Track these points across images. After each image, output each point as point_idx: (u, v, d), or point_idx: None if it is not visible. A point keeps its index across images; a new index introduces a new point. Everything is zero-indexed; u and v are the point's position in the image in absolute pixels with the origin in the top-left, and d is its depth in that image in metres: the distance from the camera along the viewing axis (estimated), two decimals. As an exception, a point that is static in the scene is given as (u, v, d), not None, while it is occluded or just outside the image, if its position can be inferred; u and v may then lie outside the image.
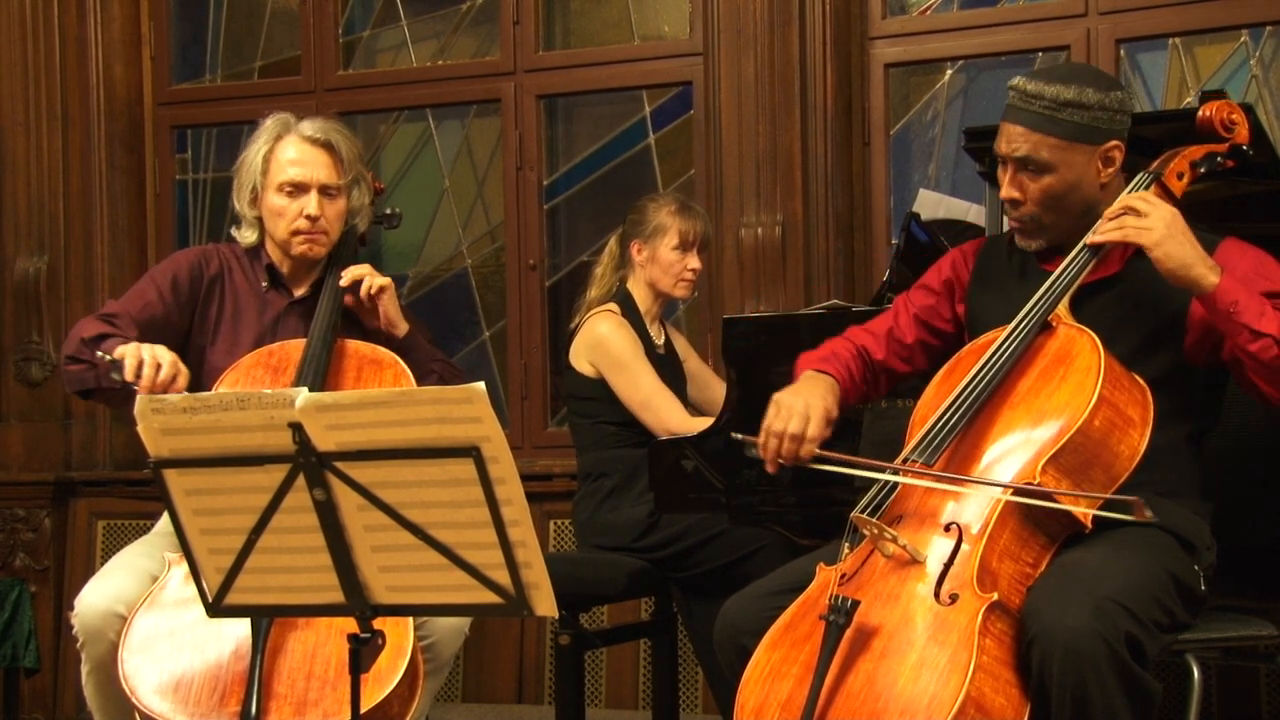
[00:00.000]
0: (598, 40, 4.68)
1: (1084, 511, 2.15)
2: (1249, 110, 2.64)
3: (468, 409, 1.80)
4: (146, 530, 2.96)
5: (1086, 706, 1.99)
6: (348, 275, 2.85)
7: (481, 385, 1.80)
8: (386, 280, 2.88)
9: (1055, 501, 2.13)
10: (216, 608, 2.02)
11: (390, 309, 2.87)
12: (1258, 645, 2.48)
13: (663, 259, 3.47)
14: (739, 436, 2.34)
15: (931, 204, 3.73)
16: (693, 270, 3.49)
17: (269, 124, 2.91)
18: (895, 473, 2.22)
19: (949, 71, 4.32)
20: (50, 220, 4.76)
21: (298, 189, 2.85)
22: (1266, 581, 2.68)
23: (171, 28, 5.00)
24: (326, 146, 2.87)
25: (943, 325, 2.57)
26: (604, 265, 3.61)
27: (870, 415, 2.96)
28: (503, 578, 1.87)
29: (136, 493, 4.62)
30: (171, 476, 1.95)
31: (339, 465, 1.87)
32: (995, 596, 2.05)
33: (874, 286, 3.91)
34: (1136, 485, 2.25)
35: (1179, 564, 2.23)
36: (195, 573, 2.01)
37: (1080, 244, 2.34)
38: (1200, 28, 4.03)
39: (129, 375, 2.53)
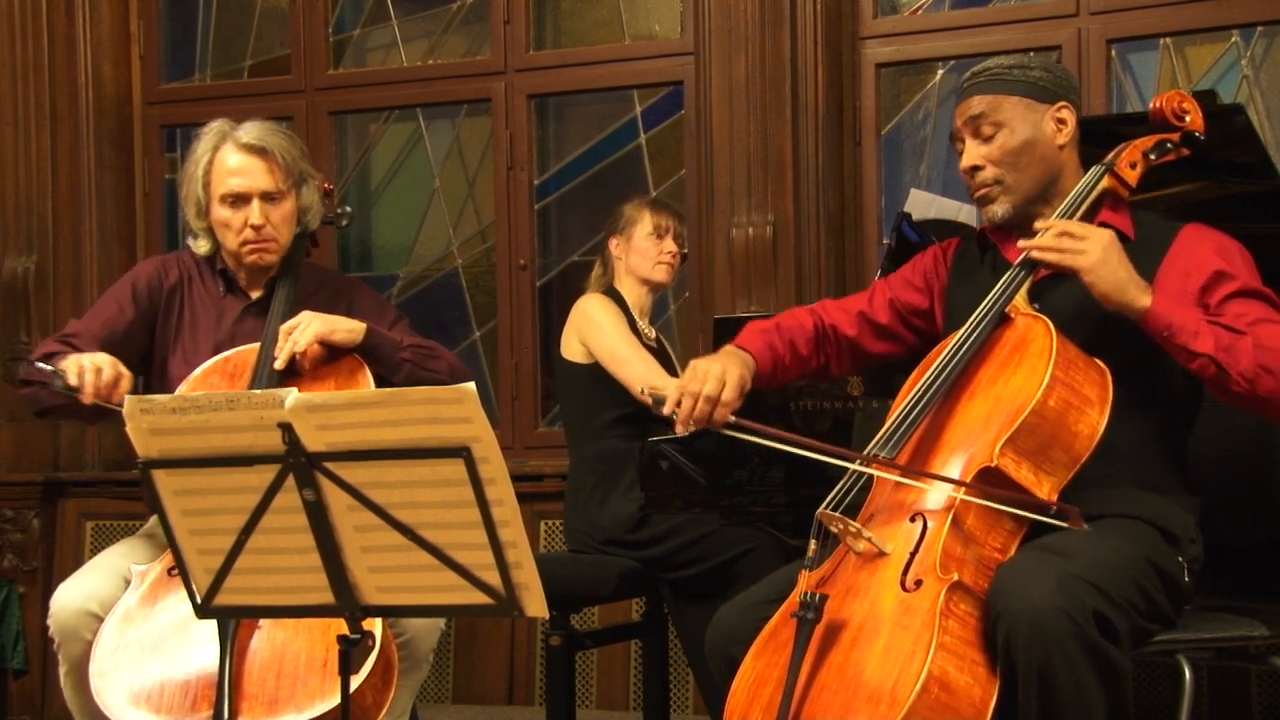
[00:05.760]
0: (589, 40, 4.67)
1: (1046, 493, 2.16)
2: (1239, 111, 2.64)
3: (458, 409, 1.79)
4: (135, 531, 2.95)
5: (1053, 683, 1.99)
6: (281, 358, 2.71)
7: (472, 385, 1.80)
8: (306, 338, 2.71)
9: (997, 502, 2.15)
10: (206, 609, 2.01)
11: (335, 339, 2.74)
12: (1249, 646, 2.46)
13: (638, 246, 3.54)
14: (650, 392, 2.37)
15: (922, 204, 3.72)
16: (670, 253, 3.56)
17: (207, 134, 2.88)
18: (818, 451, 2.25)
19: (940, 71, 4.33)
20: (39, 219, 4.75)
21: (240, 200, 2.82)
22: (1257, 582, 2.68)
23: (161, 26, 4.99)
24: (263, 153, 2.83)
25: (917, 321, 2.60)
26: (594, 278, 3.66)
27: (861, 415, 2.96)
28: (493, 578, 1.86)
29: (125, 493, 4.60)
30: (160, 477, 1.94)
31: (329, 465, 1.86)
32: (955, 576, 2.06)
33: (865, 286, 3.88)
34: (1119, 478, 2.27)
35: (1160, 554, 2.23)
36: (184, 573, 2.00)
37: (1024, 254, 2.35)
38: (1191, 28, 4.04)
39: (72, 381, 2.55)
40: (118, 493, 4.65)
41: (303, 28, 4.83)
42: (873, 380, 3.00)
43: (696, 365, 2.38)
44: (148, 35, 4.95)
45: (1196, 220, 2.43)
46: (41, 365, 2.60)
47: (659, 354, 3.55)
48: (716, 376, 2.33)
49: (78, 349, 2.74)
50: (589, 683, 4.33)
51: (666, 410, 2.34)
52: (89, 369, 2.56)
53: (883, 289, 2.62)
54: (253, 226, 2.82)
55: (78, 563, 4.53)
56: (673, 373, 3.53)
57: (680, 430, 2.36)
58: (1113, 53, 4.09)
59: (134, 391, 2.83)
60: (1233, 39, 4.04)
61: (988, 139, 2.39)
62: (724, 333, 3.11)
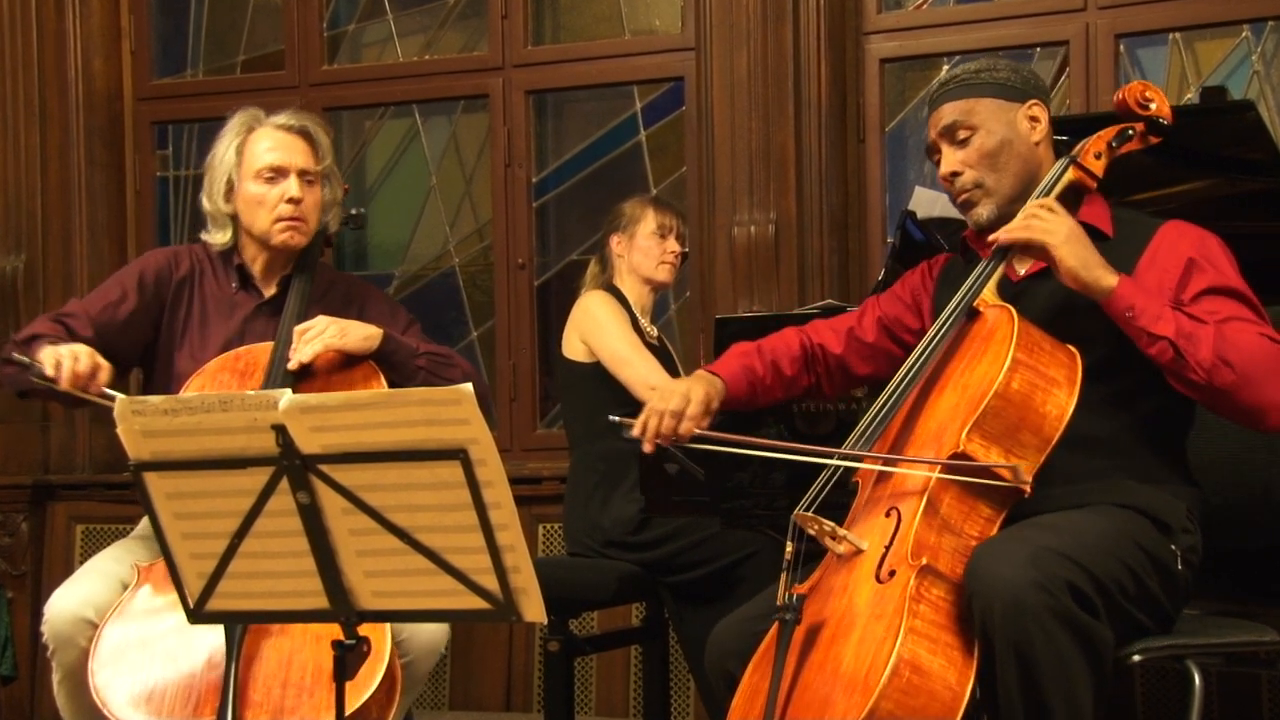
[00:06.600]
0: (588, 35, 4.66)
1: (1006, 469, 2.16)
2: (1249, 107, 2.62)
3: (455, 410, 1.77)
4: (126, 534, 2.92)
5: (1031, 658, 1.99)
6: (294, 361, 2.68)
7: (470, 386, 1.78)
8: (316, 346, 2.66)
9: (975, 473, 2.16)
10: (198, 614, 1.98)
11: (350, 345, 2.71)
12: (1259, 651, 2.47)
13: (641, 244, 3.55)
14: (616, 419, 2.43)
15: (927, 202, 3.68)
16: (673, 253, 3.57)
17: (238, 118, 2.87)
18: (784, 451, 2.29)
19: (945, 67, 4.29)
20: (28, 218, 4.73)
21: (277, 174, 2.80)
22: (1268, 587, 2.67)
23: (152, 21, 4.98)
24: (302, 133, 2.84)
25: (906, 337, 2.60)
26: (590, 275, 3.65)
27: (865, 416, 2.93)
28: (490, 582, 1.84)
29: (116, 496, 4.59)
30: (152, 479, 1.92)
31: (323, 468, 1.84)
32: (925, 561, 2.07)
33: (869, 285, 3.89)
34: (1109, 472, 2.26)
35: (1150, 540, 2.22)
36: (176, 578, 1.97)
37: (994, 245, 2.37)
38: (1201, 23, 4.03)
39: (49, 371, 2.54)
40: (108, 496, 4.64)
41: (297, 22, 4.81)
42: (876, 382, 2.97)
43: (660, 388, 2.48)
44: (139, 30, 4.92)
45: (1205, 218, 2.42)
46: (18, 356, 2.60)
47: (661, 353, 3.54)
48: (681, 393, 2.42)
49: (71, 329, 2.73)
50: (588, 689, 4.30)
51: (635, 433, 2.40)
52: (66, 357, 2.54)
53: (873, 306, 2.64)
54: (290, 200, 2.78)
55: (68, 567, 4.52)
56: (674, 373, 3.51)
57: (647, 449, 2.40)
58: (1121, 48, 4.08)
59: (127, 388, 2.81)
60: (1243, 34, 4.03)
61: (964, 143, 2.40)
62: (725, 333, 3.08)
